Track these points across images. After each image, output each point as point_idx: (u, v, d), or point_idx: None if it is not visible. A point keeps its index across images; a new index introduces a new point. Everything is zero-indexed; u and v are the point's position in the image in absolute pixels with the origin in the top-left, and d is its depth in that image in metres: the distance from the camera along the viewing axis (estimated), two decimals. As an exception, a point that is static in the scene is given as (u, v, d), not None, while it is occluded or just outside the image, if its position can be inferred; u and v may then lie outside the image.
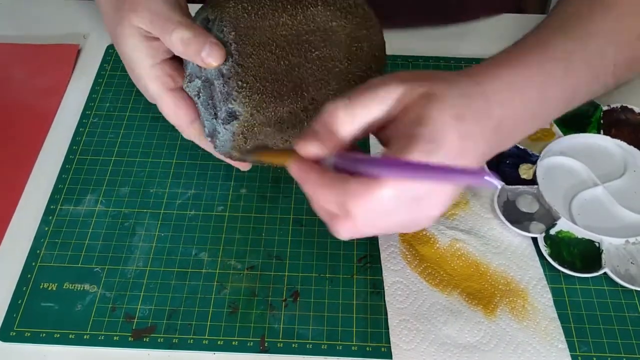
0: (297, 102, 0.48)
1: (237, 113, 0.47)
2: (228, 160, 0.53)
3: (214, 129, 0.49)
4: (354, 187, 0.38)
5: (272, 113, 0.47)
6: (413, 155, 0.37)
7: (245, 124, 0.47)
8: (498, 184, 0.35)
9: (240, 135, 0.48)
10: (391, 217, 0.40)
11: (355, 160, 0.40)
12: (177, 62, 0.51)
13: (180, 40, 0.46)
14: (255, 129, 0.47)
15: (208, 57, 0.46)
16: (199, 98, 0.49)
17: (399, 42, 0.70)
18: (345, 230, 0.41)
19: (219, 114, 0.48)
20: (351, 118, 0.40)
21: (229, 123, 0.47)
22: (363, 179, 0.38)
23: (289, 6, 0.49)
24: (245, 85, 0.46)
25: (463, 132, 0.39)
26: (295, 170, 0.42)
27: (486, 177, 0.35)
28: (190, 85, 0.50)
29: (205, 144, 0.52)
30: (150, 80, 0.49)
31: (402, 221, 0.41)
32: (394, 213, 0.39)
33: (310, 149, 0.40)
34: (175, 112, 0.50)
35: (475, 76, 0.43)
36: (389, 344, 0.49)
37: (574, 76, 0.46)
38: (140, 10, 0.48)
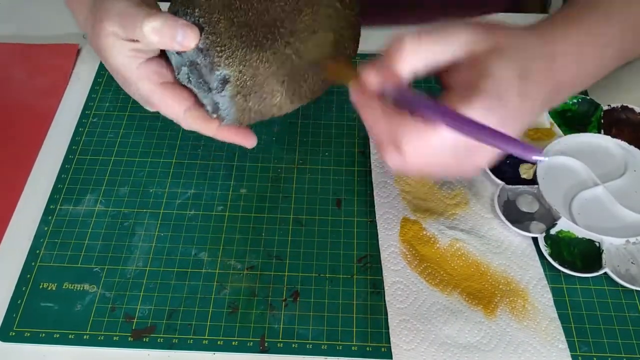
0: (277, 41, 0.49)
1: (227, 76, 0.48)
2: (235, 138, 0.53)
3: (213, 103, 0.50)
4: (409, 126, 0.40)
5: (258, 61, 0.48)
6: (474, 108, 0.39)
7: (238, 83, 0.48)
8: (542, 158, 0.37)
9: (239, 96, 0.49)
10: (439, 161, 0.41)
11: (415, 100, 0.40)
12: (161, 58, 0.51)
13: (152, 30, 0.46)
14: (249, 83, 0.49)
15: (184, 40, 0.47)
16: (191, 83, 0.50)
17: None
18: (393, 162, 0.42)
19: (212, 86, 0.49)
20: (416, 53, 0.40)
21: (223, 89, 0.49)
22: (419, 121, 0.39)
23: None
24: (223, 48, 0.48)
25: (524, 92, 0.40)
26: (354, 95, 0.43)
27: (534, 156, 0.37)
28: (180, 76, 0.50)
29: (208, 128, 0.52)
30: (140, 80, 0.50)
31: (448, 166, 0.42)
32: (443, 158, 0.41)
33: (372, 78, 0.41)
34: (168, 104, 0.50)
35: (545, 36, 0.44)
36: (389, 344, 0.49)
37: (628, 38, 0.48)
38: (110, 16, 0.48)
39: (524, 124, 0.42)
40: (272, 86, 0.50)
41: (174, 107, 0.50)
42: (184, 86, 0.51)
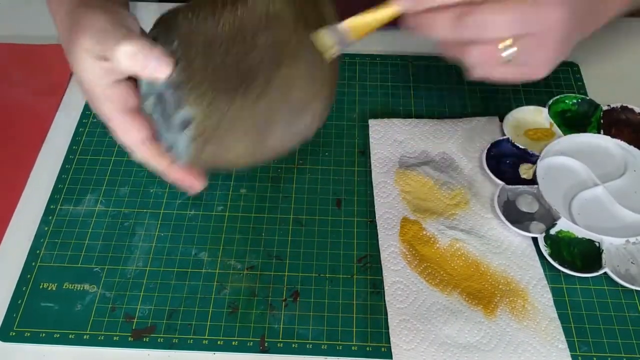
0: (250, 91, 0.47)
1: (191, 116, 0.46)
2: (183, 180, 0.51)
3: (171, 141, 0.48)
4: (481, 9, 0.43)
5: (227, 108, 0.46)
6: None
7: (201, 126, 0.46)
8: None
9: (199, 139, 0.46)
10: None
11: None
12: (131, 82, 0.49)
13: (126, 54, 0.45)
14: (212, 128, 0.46)
15: (155, 71, 0.45)
16: (154, 115, 0.48)
17: (399, 39, 0.70)
18: (474, 56, 0.45)
19: (173, 122, 0.47)
20: None
21: (184, 129, 0.46)
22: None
23: (228, 3, 0.48)
24: (193, 87, 0.46)
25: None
26: (411, 20, 0.46)
27: None
28: (145, 105, 0.48)
29: (161, 163, 0.50)
30: (104, 101, 0.48)
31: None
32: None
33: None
34: (126, 131, 0.49)
35: None
36: (389, 344, 0.49)
37: None
38: (87, 31, 0.46)
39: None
40: (236, 136, 0.47)
41: (130, 136, 0.49)
42: (146, 116, 0.49)
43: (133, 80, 0.49)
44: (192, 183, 0.51)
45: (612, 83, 0.67)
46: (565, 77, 0.67)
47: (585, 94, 0.66)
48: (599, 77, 0.67)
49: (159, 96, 0.47)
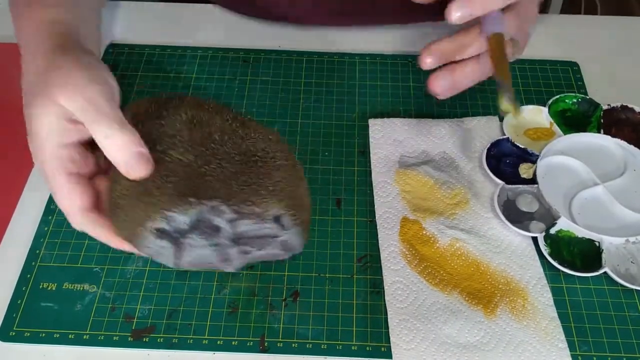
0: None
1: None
2: (125, 247, 0.48)
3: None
4: None
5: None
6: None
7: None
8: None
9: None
10: None
11: None
12: (84, 148, 0.47)
13: (114, 142, 0.44)
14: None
15: (130, 170, 0.44)
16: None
17: (399, 39, 0.70)
18: None
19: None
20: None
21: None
22: None
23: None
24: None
25: None
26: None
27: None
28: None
29: (101, 234, 0.48)
30: (51, 159, 0.46)
31: None
32: None
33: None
34: (64, 195, 0.46)
35: None
36: (389, 343, 0.49)
37: None
38: (70, 93, 0.44)
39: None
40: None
41: (69, 201, 0.47)
42: (89, 184, 0.48)
43: (89, 145, 0.47)
44: (133, 250, 0.48)
45: (612, 83, 0.67)
46: (565, 76, 0.67)
47: (586, 93, 0.66)
48: (599, 77, 0.67)
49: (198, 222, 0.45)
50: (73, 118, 0.45)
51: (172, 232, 0.45)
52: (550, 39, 0.71)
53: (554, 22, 0.74)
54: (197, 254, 0.46)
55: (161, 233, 0.44)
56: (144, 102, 0.52)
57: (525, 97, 0.66)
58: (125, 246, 0.48)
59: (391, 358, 0.48)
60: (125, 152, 0.44)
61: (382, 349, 0.49)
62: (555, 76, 0.67)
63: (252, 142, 0.48)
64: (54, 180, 0.47)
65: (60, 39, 0.50)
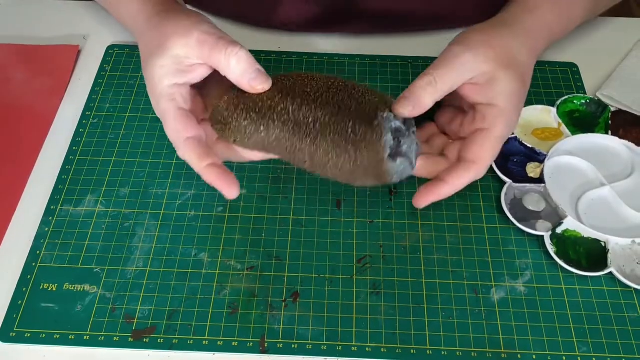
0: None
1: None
2: (217, 183, 0.50)
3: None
4: None
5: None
6: (501, 127, 0.51)
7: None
8: None
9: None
10: None
11: None
12: (193, 88, 0.52)
13: (238, 57, 0.49)
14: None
15: (252, 81, 0.49)
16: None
17: (400, 44, 0.71)
18: None
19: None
20: (435, 92, 0.50)
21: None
22: None
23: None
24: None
25: (527, 79, 0.52)
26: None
27: None
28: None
29: (199, 164, 0.50)
30: (164, 96, 0.51)
31: None
32: None
33: (403, 110, 0.50)
34: (177, 128, 0.50)
35: (530, 31, 0.54)
36: (389, 344, 0.49)
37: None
38: (182, 35, 0.50)
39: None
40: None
41: (178, 132, 0.50)
42: (197, 122, 0.52)
43: (196, 88, 0.53)
44: (225, 188, 0.50)
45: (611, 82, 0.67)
46: (564, 77, 0.67)
47: (585, 94, 0.66)
48: (598, 77, 0.67)
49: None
50: (185, 63, 0.50)
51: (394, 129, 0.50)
52: (550, 40, 0.71)
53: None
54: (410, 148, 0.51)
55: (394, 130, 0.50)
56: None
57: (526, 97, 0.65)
58: (214, 179, 0.50)
59: (391, 358, 0.48)
60: (250, 67, 0.49)
61: (382, 349, 0.49)
62: (555, 77, 0.67)
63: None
64: (164, 114, 0.51)
65: (163, 5, 0.56)
